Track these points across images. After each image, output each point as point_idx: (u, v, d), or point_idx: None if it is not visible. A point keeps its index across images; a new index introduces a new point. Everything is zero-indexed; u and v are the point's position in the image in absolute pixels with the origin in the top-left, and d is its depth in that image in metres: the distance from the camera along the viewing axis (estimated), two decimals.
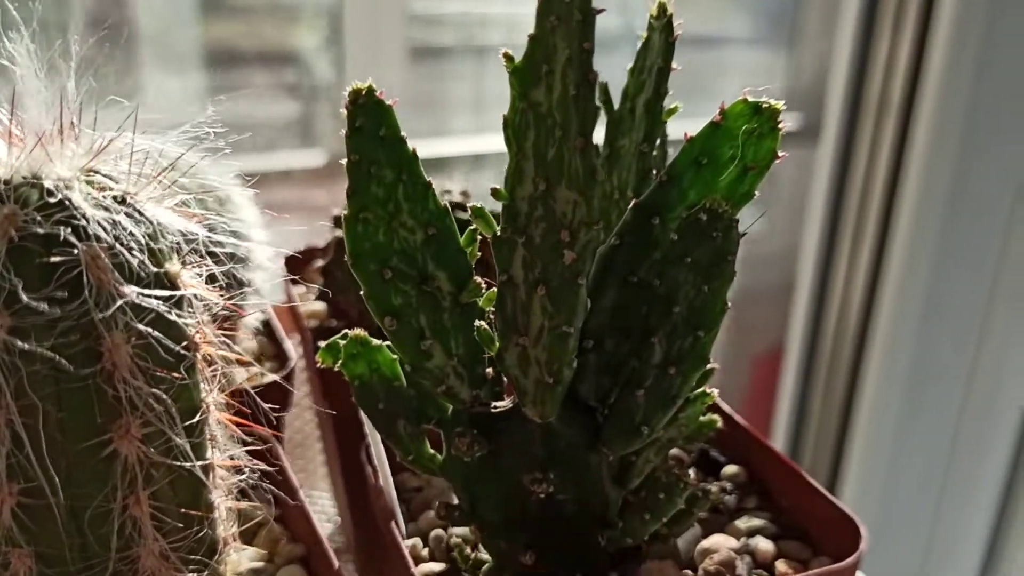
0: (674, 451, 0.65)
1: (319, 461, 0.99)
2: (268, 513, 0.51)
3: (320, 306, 0.81)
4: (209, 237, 0.45)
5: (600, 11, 0.38)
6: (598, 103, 0.55)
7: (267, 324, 0.77)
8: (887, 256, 1.48)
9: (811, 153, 1.66)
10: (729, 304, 0.45)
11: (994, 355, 1.54)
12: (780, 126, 0.43)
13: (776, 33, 1.85)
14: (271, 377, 0.70)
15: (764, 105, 0.43)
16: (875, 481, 1.60)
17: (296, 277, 0.80)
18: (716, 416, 0.58)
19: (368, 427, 0.60)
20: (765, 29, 1.87)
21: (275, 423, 0.70)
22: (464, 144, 1.57)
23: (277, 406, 0.68)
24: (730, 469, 0.63)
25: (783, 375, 1.73)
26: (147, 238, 0.40)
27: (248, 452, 0.51)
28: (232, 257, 0.68)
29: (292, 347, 0.74)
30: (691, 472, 0.64)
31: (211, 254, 0.46)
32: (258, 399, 0.48)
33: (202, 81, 1.47)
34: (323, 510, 0.93)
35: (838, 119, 1.52)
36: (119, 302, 0.38)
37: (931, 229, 1.43)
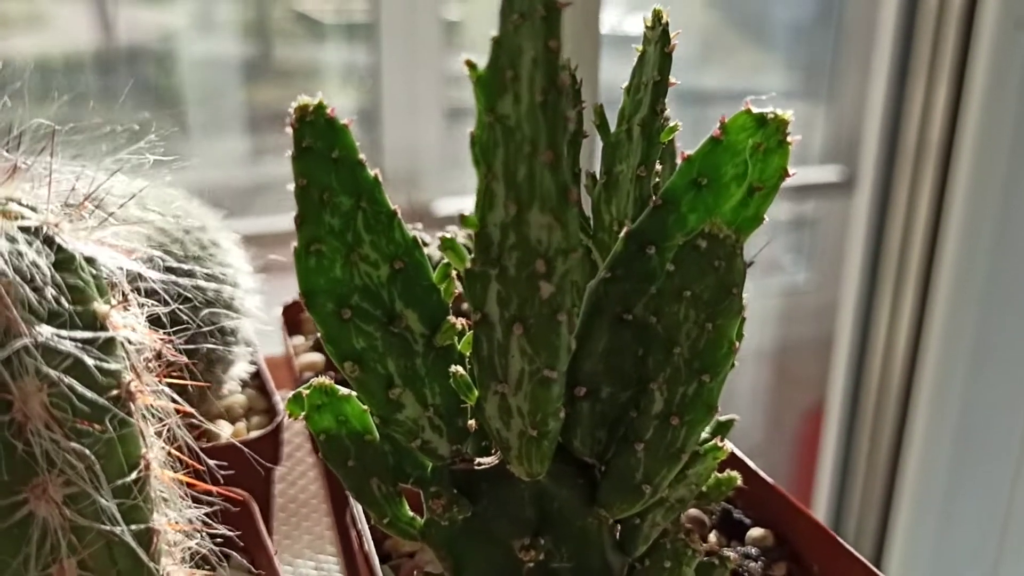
0: (694, 512, 0.59)
1: (327, 524, 0.94)
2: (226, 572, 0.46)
3: (317, 357, 0.76)
4: (154, 276, 0.40)
5: (566, 3, 0.33)
6: (594, 125, 0.51)
7: (256, 376, 0.72)
8: (931, 306, 1.41)
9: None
10: (738, 344, 0.39)
11: None
12: (788, 140, 0.38)
13: (814, 86, 1.82)
14: (256, 432, 0.66)
15: (770, 116, 0.38)
16: (923, 551, 1.51)
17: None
18: (735, 473, 0.51)
19: (349, 493, 0.55)
20: (803, 82, 1.85)
21: (262, 482, 0.65)
22: None
23: (266, 462, 0.63)
24: (756, 532, 0.57)
25: (824, 433, 1.65)
26: (62, 273, 0.35)
27: (221, 514, 0.46)
28: (214, 303, 0.64)
29: (281, 402, 0.69)
30: (712, 535, 0.58)
31: (171, 295, 0.42)
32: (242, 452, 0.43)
33: (246, 144, 1.50)
34: (329, 573, 0.87)
35: (874, 168, 1.46)
36: (23, 342, 0.33)
37: (976, 277, 1.36)
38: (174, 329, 0.42)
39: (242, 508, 0.56)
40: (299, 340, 0.81)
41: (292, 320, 0.83)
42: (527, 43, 0.34)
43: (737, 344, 0.39)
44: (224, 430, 0.66)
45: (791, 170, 0.38)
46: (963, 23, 1.32)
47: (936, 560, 1.54)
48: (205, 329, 0.62)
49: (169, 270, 0.42)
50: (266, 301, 0.72)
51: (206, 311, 0.63)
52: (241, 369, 0.69)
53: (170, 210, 0.65)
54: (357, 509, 0.54)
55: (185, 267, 0.58)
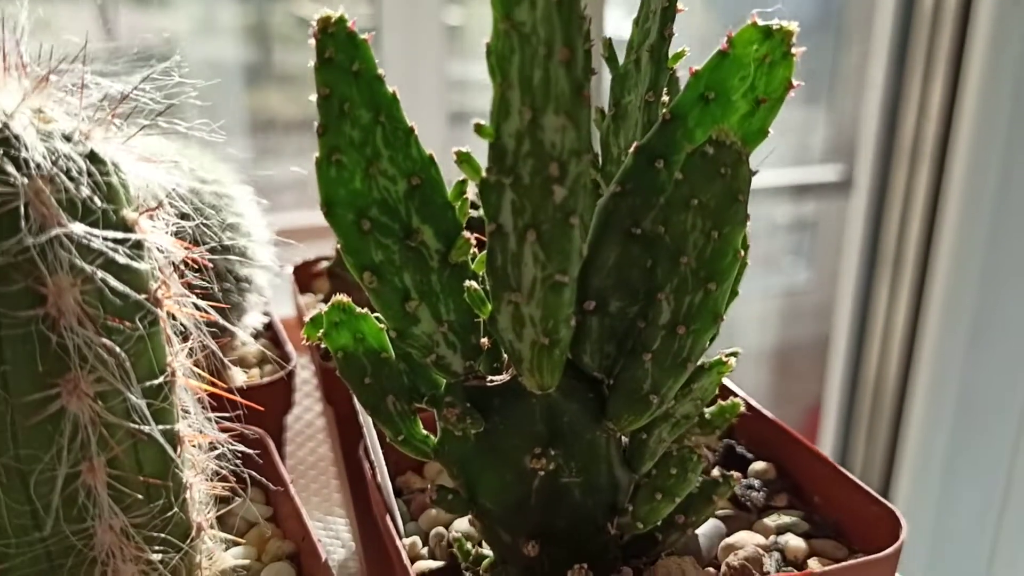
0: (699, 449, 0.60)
1: (334, 486, 0.95)
2: (246, 497, 0.47)
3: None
4: (178, 191, 0.41)
5: None
6: (603, 58, 0.52)
7: (269, 326, 0.73)
8: (926, 302, 1.42)
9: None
10: (742, 253, 0.41)
11: None
12: (793, 52, 0.39)
13: (815, 87, 1.84)
14: (268, 378, 0.67)
15: (775, 28, 0.39)
16: (921, 539, 1.52)
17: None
18: (738, 400, 0.53)
19: (364, 422, 0.56)
20: (804, 84, 1.86)
21: (275, 424, 0.67)
22: None
23: (271, 408, 0.64)
24: (758, 465, 0.58)
25: (822, 428, 1.67)
26: (98, 173, 0.36)
27: (236, 440, 0.47)
28: (229, 250, 0.66)
29: (294, 351, 0.70)
30: (716, 470, 0.59)
31: (186, 216, 0.43)
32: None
33: (246, 146, 1.51)
34: (337, 535, 0.89)
35: (871, 167, 1.48)
36: (60, 233, 0.34)
37: (971, 273, 1.37)
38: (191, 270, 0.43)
39: (258, 442, 0.57)
40: (309, 298, 0.83)
41: (302, 280, 0.84)
42: None
43: (741, 252, 0.40)
44: (238, 377, 0.68)
45: (795, 82, 0.40)
46: (959, 20, 1.33)
47: (934, 548, 1.55)
48: (220, 273, 0.63)
49: (184, 216, 0.43)
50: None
51: (221, 257, 0.64)
52: (255, 319, 0.70)
53: (186, 160, 0.66)
54: (371, 441, 0.55)
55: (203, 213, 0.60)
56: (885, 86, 1.45)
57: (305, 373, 0.99)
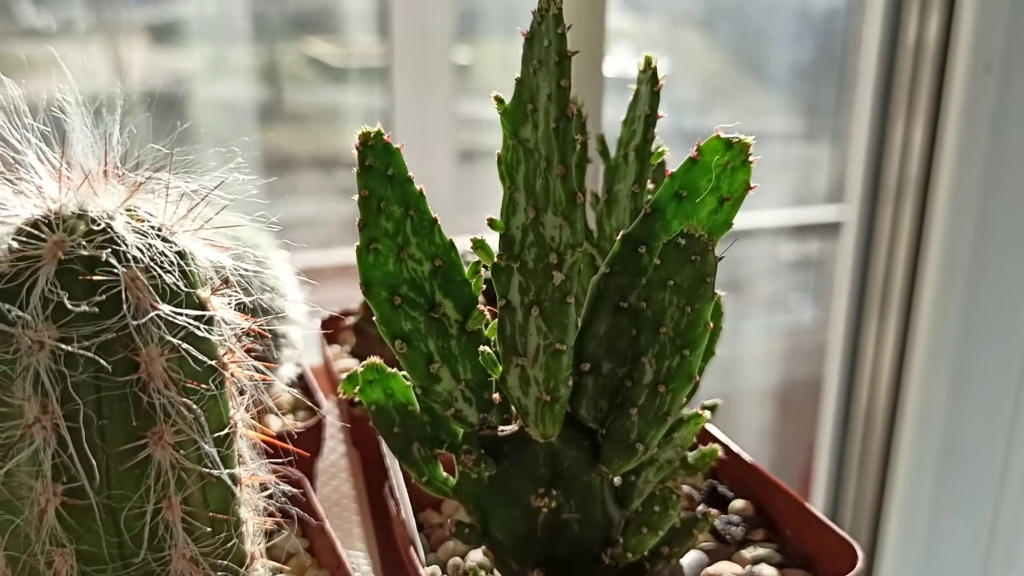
0: (686, 488, 0.68)
1: (355, 522, 1.03)
2: (291, 530, 0.55)
3: (353, 363, 0.85)
4: (238, 268, 0.50)
5: (575, 53, 0.43)
6: (597, 152, 0.60)
7: (301, 377, 0.81)
8: (911, 341, 1.49)
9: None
10: (712, 324, 0.49)
11: None
12: (751, 159, 0.47)
13: (818, 127, 1.90)
14: (302, 424, 0.75)
15: (735, 140, 0.47)
16: (911, 568, 1.58)
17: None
18: (716, 445, 0.60)
19: (389, 464, 0.64)
20: (808, 124, 1.93)
21: (306, 469, 0.75)
22: None
23: (308, 453, 0.72)
24: (738, 503, 0.66)
25: (816, 466, 1.73)
26: (180, 263, 0.45)
27: (282, 480, 0.55)
28: (268, 311, 0.74)
29: (324, 399, 0.78)
30: (701, 508, 0.67)
31: (242, 288, 0.51)
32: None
33: (260, 184, 1.56)
34: (358, 568, 0.96)
35: (858, 208, 1.55)
36: (153, 315, 0.43)
37: (954, 309, 1.44)
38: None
39: (298, 483, 0.65)
40: (336, 349, 0.91)
41: (330, 331, 0.92)
42: (544, 83, 0.44)
43: (711, 324, 0.48)
44: (274, 424, 0.76)
45: (753, 184, 0.48)
46: (936, 66, 1.41)
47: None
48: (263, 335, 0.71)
49: (247, 283, 0.51)
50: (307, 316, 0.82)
51: (261, 318, 0.72)
52: (289, 371, 0.78)
53: (233, 230, 0.75)
54: (397, 481, 0.63)
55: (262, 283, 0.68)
56: (871, 128, 1.52)
57: (327, 418, 1.07)
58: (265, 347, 0.74)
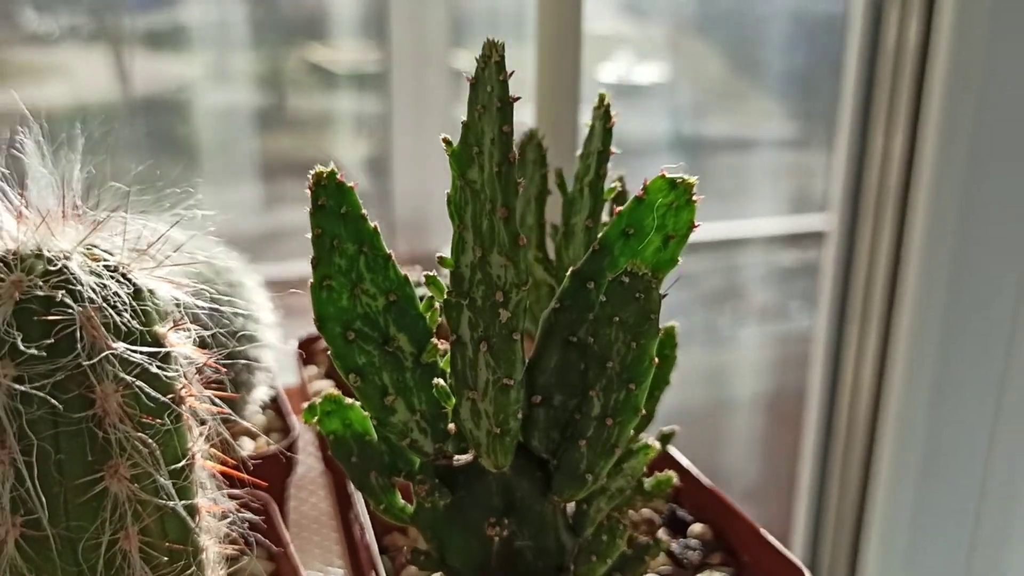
0: (646, 512, 0.69)
1: (335, 539, 1.04)
2: (252, 556, 0.56)
3: (327, 384, 0.86)
4: (197, 304, 0.51)
5: (516, 99, 0.44)
6: (554, 187, 0.62)
7: (275, 399, 0.82)
8: (892, 349, 1.50)
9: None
10: (657, 360, 0.50)
11: (1008, 441, 1.54)
12: (695, 199, 0.49)
13: (819, 134, 1.91)
14: (275, 447, 0.76)
15: (679, 181, 0.48)
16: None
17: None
18: (672, 472, 0.62)
19: (352, 491, 0.65)
20: (808, 130, 1.93)
21: (278, 488, 0.76)
22: None
23: (270, 480, 0.73)
24: (696, 528, 0.67)
25: (800, 471, 1.74)
26: (135, 302, 0.46)
27: (244, 506, 0.56)
28: (241, 336, 0.75)
29: (297, 421, 0.80)
30: (662, 531, 0.68)
31: (210, 316, 0.52)
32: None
33: (258, 191, 1.56)
34: None
35: (840, 216, 1.56)
36: (107, 354, 0.44)
37: (934, 318, 1.45)
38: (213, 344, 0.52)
39: (264, 507, 0.66)
40: (312, 370, 0.92)
41: (306, 353, 0.94)
42: (487, 127, 0.45)
43: (656, 359, 0.50)
44: (247, 446, 0.77)
45: (696, 223, 0.49)
46: (915, 74, 1.42)
47: None
48: (232, 358, 0.73)
49: (216, 306, 0.52)
50: (283, 336, 0.83)
51: (233, 341, 0.74)
52: (262, 393, 0.80)
53: (203, 253, 0.76)
54: (360, 507, 0.64)
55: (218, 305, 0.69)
56: (851, 136, 1.52)
57: (310, 434, 1.08)
58: (237, 371, 0.75)
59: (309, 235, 0.50)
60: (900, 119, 1.42)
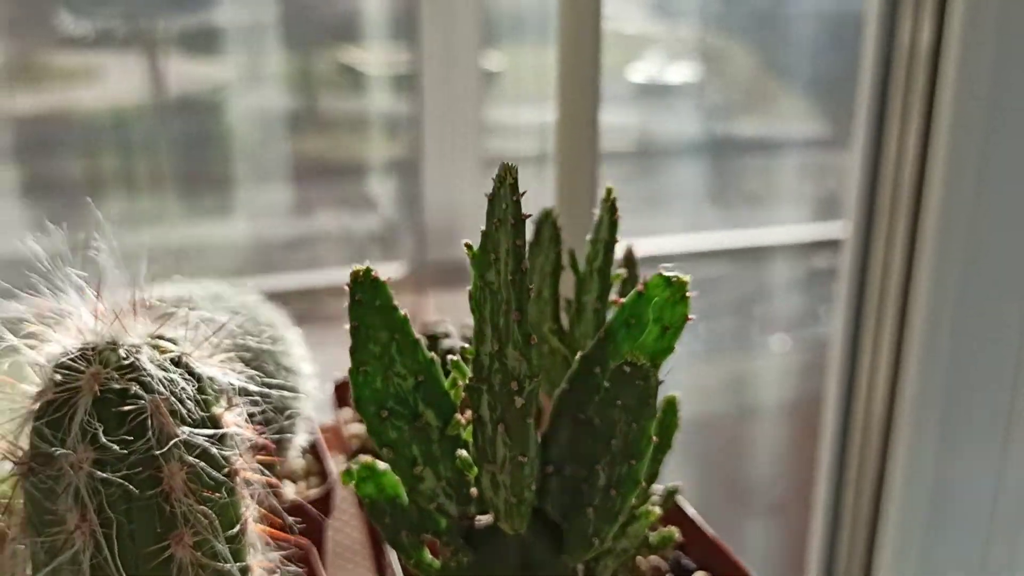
0: (655, 559, 0.75)
1: (367, 566, 1.11)
2: None
3: (361, 428, 0.93)
4: (246, 385, 0.58)
5: (528, 216, 0.50)
6: (567, 265, 0.68)
7: (313, 445, 0.89)
8: (905, 355, 1.53)
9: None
10: (656, 438, 0.56)
11: (1023, 447, 1.56)
12: (688, 295, 0.55)
13: (844, 135, 1.93)
14: (315, 491, 0.83)
15: (674, 279, 0.55)
16: None
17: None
18: (674, 528, 0.68)
19: (385, 547, 0.71)
20: (841, 131, 1.95)
21: (318, 531, 0.83)
22: None
23: (310, 536, 0.80)
24: (698, 574, 0.73)
25: (816, 491, 1.78)
26: (197, 390, 0.53)
27: (289, 557, 0.63)
28: (282, 387, 0.82)
29: (334, 465, 0.86)
30: None
31: (254, 394, 0.59)
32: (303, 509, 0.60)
33: (290, 193, 1.59)
34: None
35: (854, 223, 1.58)
36: (175, 440, 0.51)
37: (945, 326, 1.48)
38: (259, 411, 0.59)
39: (305, 553, 0.73)
40: (347, 413, 0.99)
41: (341, 395, 1.00)
42: (503, 238, 0.51)
43: (655, 438, 0.56)
44: (289, 489, 0.84)
45: (691, 316, 0.55)
46: (928, 75, 1.44)
47: None
48: (276, 408, 0.79)
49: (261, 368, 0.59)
50: (320, 370, 0.90)
51: (277, 394, 0.81)
52: (302, 439, 0.86)
53: (250, 312, 0.83)
54: (392, 556, 0.71)
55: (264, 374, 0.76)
56: (865, 140, 1.54)
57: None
58: (282, 427, 0.82)
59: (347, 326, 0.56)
60: (913, 124, 1.43)
